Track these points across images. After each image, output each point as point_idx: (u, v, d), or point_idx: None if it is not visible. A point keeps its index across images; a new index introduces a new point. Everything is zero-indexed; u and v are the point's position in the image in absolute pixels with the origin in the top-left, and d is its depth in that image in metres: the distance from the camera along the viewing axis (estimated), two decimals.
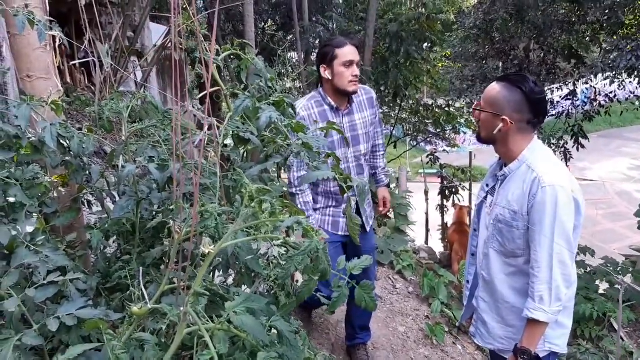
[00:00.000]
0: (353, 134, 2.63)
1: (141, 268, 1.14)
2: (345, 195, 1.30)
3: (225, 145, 1.37)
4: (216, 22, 1.00)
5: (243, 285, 1.25)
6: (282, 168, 1.44)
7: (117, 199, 1.64)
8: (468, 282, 2.19)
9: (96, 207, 1.85)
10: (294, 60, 9.25)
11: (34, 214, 1.51)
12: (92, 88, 4.66)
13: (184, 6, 1.47)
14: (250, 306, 0.79)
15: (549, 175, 1.72)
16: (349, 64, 2.46)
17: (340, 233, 2.71)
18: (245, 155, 1.43)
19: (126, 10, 5.01)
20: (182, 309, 0.83)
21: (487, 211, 1.99)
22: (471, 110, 2.15)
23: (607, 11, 6.88)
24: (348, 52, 2.46)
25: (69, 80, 4.53)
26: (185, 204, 1.06)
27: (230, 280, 1.61)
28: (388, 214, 4.99)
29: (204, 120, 1.46)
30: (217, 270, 1.40)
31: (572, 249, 1.74)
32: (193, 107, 1.55)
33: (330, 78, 2.50)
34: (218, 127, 1.39)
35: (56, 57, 2.00)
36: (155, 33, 6.56)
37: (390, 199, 3.04)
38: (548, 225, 1.70)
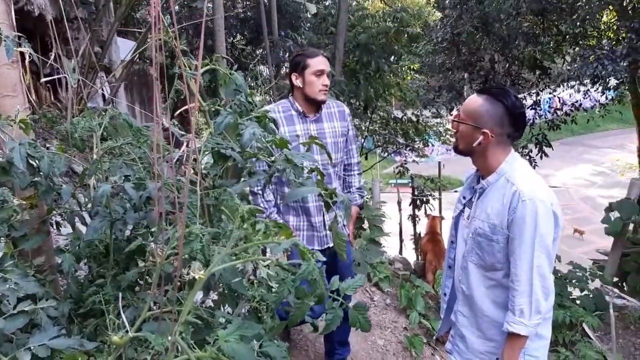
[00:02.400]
0: (322, 142, 2.64)
1: (119, 293, 1.08)
2: (330, 211, 1.28)
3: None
4: (202, 35, 0.97)
5: (223, 307, 1.20)
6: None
7: (88, 219, 1.57)
8: (445, 294, 2.17)
9: (65, 228, 1.77)
10: (264, 74, 9.25)
11: (2, 238, 1.43)
12: (58, 105, 4.53)
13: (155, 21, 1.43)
14: (243, 334, 0.75)
15: (529, 188, 1.72)
16: (319, 73, 2.53)
17: (316, 247, 2.66)
18: (224, 172, 1.39)
19: (93, 26, 4.90)
20: (169, 338, 0.79)
21: (464, 224, 1.98)
22: (446, 119, 2.14)
23: (575, 23, 7.12)
24: (319, 62, 2.53)
25: (34, 96, 4.38)
26: (164, 225, 1.01)
27: (209, 302, 1.56)
28: (363, 225, 5.00)
29: (181, 137, 1.42)
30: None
31: (551, 262, 1.74)
32: (170, 123, 1.50)
33: (301, 86, 2.57)
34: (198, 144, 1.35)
35: (25, 74, 1.92)
36: (123, 48, 6.45)
37: (354, 220, 3.06)
38: (528, 239, 1.70)
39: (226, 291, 1.19)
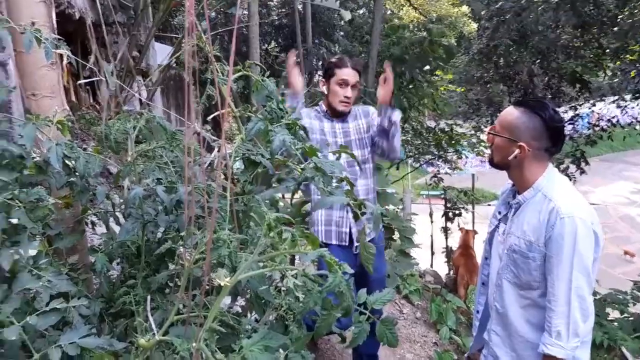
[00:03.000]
0: (346, 140, 2.67)
1: (148, 296, 1.09)
2: (359, 221, 1.27)
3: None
4: (234, 41, 0.97)
5: (251, 313, 1.20)
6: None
7: (122, 220, 1.60)
8: (478, 312, 2.11)
9: (100, 228, 1.81)
10: None
11: (37, 237, 1.47)
12: (97, 107, 4.65)
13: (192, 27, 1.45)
14: (268, 344, 0.74)
15: (568, 205, 1.66)
16: (343, 83, 2.57)
17: (334, 242, 2.57)
18: (254, 178, 1.39)
19: (132, 30, 5.03)
20: (194, 344, 0.78)
21: (499, 239, 1.92)
22: (485, 133, 2.06)
23: (616, 37, 6.92)
24: (345, 73, 2.57)
25: (73, 98, 4.52)
26: (194, 229, 1.01)
27: (237, 307, 1.56)
28: (392, 236, 4.93)
29: (212, 142, 1.43)
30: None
31: (591, 283, 1.67)
32: (202, 128, 1.51)
33: (326, 92, 2.64)
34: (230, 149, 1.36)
35: (64, 76, 1.97)
36: (160, 53, 6.60)
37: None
38: (567, 258, 1.63)
39: (253, 298, 1.19)
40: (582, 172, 8.53)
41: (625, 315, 4.25)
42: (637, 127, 9.44)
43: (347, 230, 2.57)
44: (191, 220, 1.38)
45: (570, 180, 8.47)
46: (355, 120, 2.72)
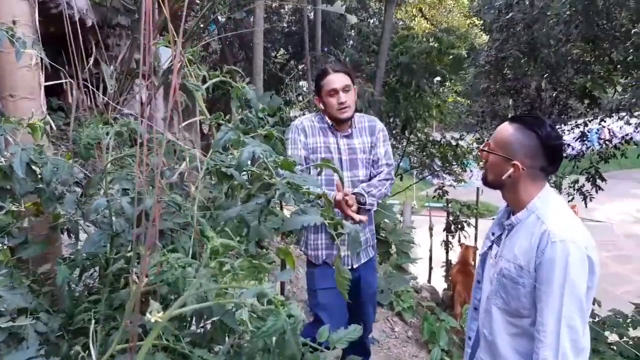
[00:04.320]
0: (351, 157, 2.56)
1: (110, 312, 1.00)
2: (366, 234, 1.18)
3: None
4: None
5: (214, 339, 1.10)
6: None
7: (93, 231, 1.52)
8: (470, 338, 2.00)
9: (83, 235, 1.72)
10: (305, 89, 9.25)
11: None
12: (95, 109, 4.59)
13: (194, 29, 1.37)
14: None
15: (560, 229, 1.55)
16: (333, 92, 2.47)
17: (348, 267, 2.52)
18: (229, 191, 1.30)
19: (134, 33, 4.98)
20: None
21: (491, 262, 1.82)
22: (480, 150, 1.95)
23: (628, 52, 6.81)
24: (331, 81, 2.47)
25: (69, 100, 4.46)
26: (140, 248, 0.92)
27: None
28: (389, 250, 4.83)
29: (185, 151, 1.34)
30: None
31: (584, 313, 1.55)
32: (176, 135, 1.43)
33: (323, 108, 2.55)
34: (201, 160, 1.27)
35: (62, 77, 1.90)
36: (163, 56, 6.55)
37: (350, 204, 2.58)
38: (557, 285, 1.51)
39: (217, 323, 1.10)
40: (599, 188, 8.37)
41: (625, 339, 4.12)
42: None
43: (348, 252, 2.48)
44: (162, 235, 1.30)
45: (587, 198, 8.31)
46: (361, 136, 2.61)
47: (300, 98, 8.87)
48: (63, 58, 3.40)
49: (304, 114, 8.19)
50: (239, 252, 0.94)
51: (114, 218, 1.38)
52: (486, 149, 1.72)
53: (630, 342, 4.05)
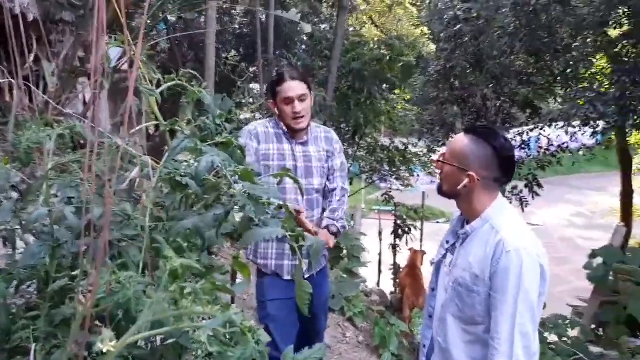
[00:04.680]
0: (307, 165, 2.50)
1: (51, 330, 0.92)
2: (298, 256, 1.14)
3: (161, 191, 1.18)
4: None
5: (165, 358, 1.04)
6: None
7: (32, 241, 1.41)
8: (425, 346, 2.01)
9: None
10: (256, 92, 9.15)
11: None
12: (35, 108, 4.34)
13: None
14: None
15: (514, 238, 1.59)
16: (288, 100, 2.39)
17: (285, 278, 2.46)
18: (182, 201, 1.24)
19: (79, 29, 4.76)
20: None
21: (446, 271, 1.84)
22: (432, 160, 1.97)
23: (569, 65, 7.19)
24: (287, 89, 2.39)
25: (8, 99, 4.20)
26: (87, 265, 0.86)
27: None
28: (341, 254, 4.84)
29: (137, 157, 1.27)
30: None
31: (535, 319, 1.60)
32: (127, 139, 1.36)
33: (278, 114, 2.47)
34: (154, 168, 1.21)
35: None
36: (111, 55, 6.29)
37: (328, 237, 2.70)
38: (511, 294, 1.55)
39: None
40: (536, 195, 8.77)
41: (564, 338, 4.30)
42: (583, 154, 9.85)
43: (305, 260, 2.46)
44: (110, 247, 1.22)
45: (523, 203, 8.70)
46: (317, 144, 2.56)
47: (252, 100, 8.78)
48: (1, 54, 3.19)
49: (255, 117, 8.12)
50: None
51: (55, 227, 1.28)
52: (441, 159, 1.74)
53: (569, 342, 4.23)
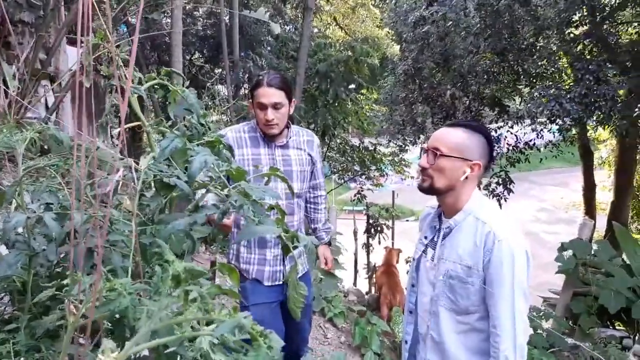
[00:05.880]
0: (286, 169, 2.43)
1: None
2: (289, 256, 1.11)
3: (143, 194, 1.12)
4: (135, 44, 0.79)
5: None
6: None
7: (4, 250, 1.33)
8: (406, 342, 2.02)
9: None
10: (222, 94, 9.04)
11: None
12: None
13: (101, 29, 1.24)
14: None
15: (502, 228, 1.66)
16: (261, 106, 2.31)
17: (266, 284, 2.40)
18: (167, 204, 1.19)
19: (39, 31, 4.58)
20: None
21: (429, 266, 1.86)
22: (420, 164, 1.98)
23: (535, 63, 7.39)
24: (262, 94, 2.31)
25: None
26: (79, 275, 0.80)
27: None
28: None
29: (117, 159, 1.21)
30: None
31: (528, 304, 1.68)
32: (105, 141, 1.30)
33: (254, 115, 2.40)
34: (137, 170, 1.15)
35: None
36: (72, 56, 6.09)
37: (331, 258, 2.84)
38: (507, 281, 1.62)
39: (161, 348, 0.98)
40: (510, 191, 8.98)
41: (539, 331, 4.39)
42: (550, 150, 10.14)
43: (282, 268, 2.41)
44: (91, 252, 1.15)
45: (500, 200, 8.91)
46: (298, 148, 2.48)
47: (217, 102, 8.66)
48: None
49: (222, 119, 8.00)
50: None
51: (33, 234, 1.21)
52: (438, 154, 1.74)
53: (544, 334, 4.32)
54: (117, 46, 1.24)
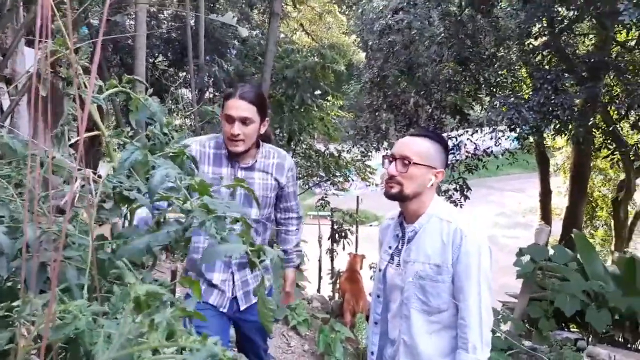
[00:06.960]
0: (247, 193, 2.32)
1: None
2: (255, 271, 1.09)
3: (102, 206, 1.09)
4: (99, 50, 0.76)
5: None
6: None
7: None
8: (372, 353, 2.04)
9: None
10: (186, 98, 8.90)
11: None
12: None
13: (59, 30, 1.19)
14: None
15: (467, 224, 1.77)
16: (228, 119, 2.13)
17: (211, 302, 2.24)
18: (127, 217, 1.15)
19: None
20: None
21: (397, 272, 1.89)
22: (390, 172, 2.00)
23: (495, 73, 7.61)
24: (231, 106, 2.13)
25: None
26: (30, 296, 0.76)
27: None
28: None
29: (74, 170, 1.17)
30: None
31: (492, 295, 1.78)
32: (60, 151, 1.24)
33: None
34: (95, 181, 1.11)
35: None
36: (29, 58, 5.88)
37: (294, 286, 2.70)
38: (474, 274, 1.72)
39: None
40: (466, 198, 9.18)
41: (498, 333, 4.48)
42: (507, 158, 10.44)
43: (232, 296, 2.25)
44: (44, 267, 1.10)
45: (457, 206, 9.11)
46: (264, 171, 2.29)
47: (181, 106, 8.52)
48: None
49: (185, 123, 7.87)
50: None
51: None
52: (408, 162, 1.80)
53: (502, 337, 4.42)
54: (77, 50, 1.19)
